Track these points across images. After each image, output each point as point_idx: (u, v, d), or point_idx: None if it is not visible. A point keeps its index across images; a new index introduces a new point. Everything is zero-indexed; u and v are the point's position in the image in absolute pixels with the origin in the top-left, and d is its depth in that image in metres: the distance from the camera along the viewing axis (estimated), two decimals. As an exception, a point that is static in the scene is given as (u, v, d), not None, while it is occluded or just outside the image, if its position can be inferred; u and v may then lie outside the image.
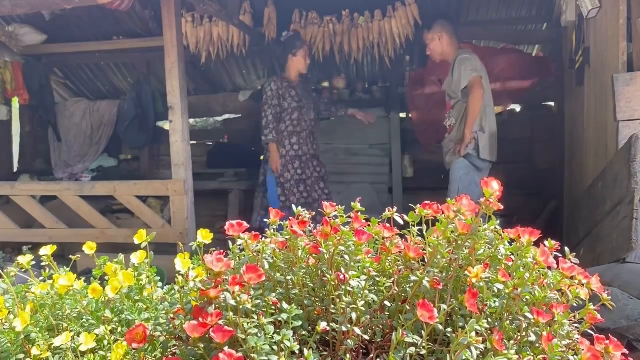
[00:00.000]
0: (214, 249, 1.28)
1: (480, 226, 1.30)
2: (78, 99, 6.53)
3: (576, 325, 1.30)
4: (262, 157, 4.60)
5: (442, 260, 1.31)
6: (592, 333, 1.25)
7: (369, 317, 1.22)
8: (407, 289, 1.28)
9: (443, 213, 1.34)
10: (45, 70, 6.03)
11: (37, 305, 1.40)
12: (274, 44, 4.77)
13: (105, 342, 1.23)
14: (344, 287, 1.20)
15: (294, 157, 4.32)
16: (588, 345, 1.20)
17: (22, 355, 1.25)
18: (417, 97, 5.38)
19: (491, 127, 3.88)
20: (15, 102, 6.23)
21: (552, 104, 5.56)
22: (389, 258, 1.37)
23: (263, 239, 1.37)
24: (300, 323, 1.16)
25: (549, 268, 1.31)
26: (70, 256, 1.66)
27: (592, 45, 3.31)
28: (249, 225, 1.38)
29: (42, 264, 1.51)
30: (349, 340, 1.17)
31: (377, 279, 1.30)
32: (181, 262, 1.31)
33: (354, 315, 1.17)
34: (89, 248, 1.52)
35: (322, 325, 1.13)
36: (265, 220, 1.47)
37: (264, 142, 4.32)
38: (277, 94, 4.26)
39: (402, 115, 5.71)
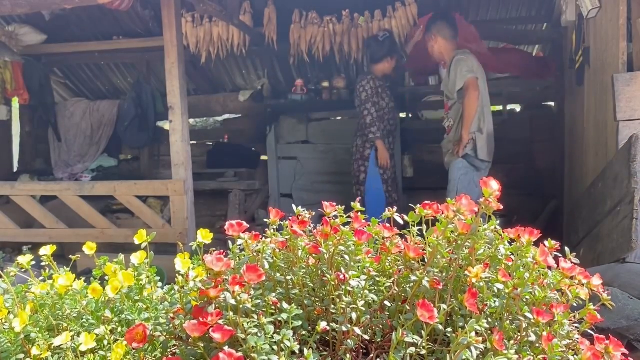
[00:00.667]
0: (214, 249, 1.28)
1: (480, 226, 1.30)
2: (78, 99, 6.53)
3: (576, 325, 1.30)
4: (366, 154, 4.45)
5: (442, 260, 1.31)
6: (592, 333, 1.25)
7: (369, 317, 1.22)
8: (407, 289, 1.28)
9: (443, 213, 1.34)
10: (45, 70, 6.03)
11: (37, 305, 1.40)
12: (368, 40, 4.61)
13: (105, 342, 1.23)
14: (344, 287, 1.20)
15: (391, 155, 4.39)
16: (588, 345, 1.20)
17: (22, 355, 1.25)
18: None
19: (488, 127, 3.88)
20: (15, 102, 6.23)
21: (552, 104, 5.56)
22: (389, 258, 1.37)
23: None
24: (300, 323, 1.16)
25: (549, 268, 1.31)
26: (70, 256, 1.66)
27: (592, 45, 3.31)
28: (248, 225, 1.38)
29: (42, 264, 1.51)
30: (349, 340, 1.17)
31: (377, 279, 1.30)
32: (181, 262, 1.31)
33: (354, 315, 1.17)
34: (89, 248, 1.51)
35: (322, 325, 1.13)
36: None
37: (372, 139, 4.28)
38: (377, 92, 4.23)
39: (402, 115, 5.71)
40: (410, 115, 5.83)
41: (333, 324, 1.18)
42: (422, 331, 1.13)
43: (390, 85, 4.60)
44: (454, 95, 3.84)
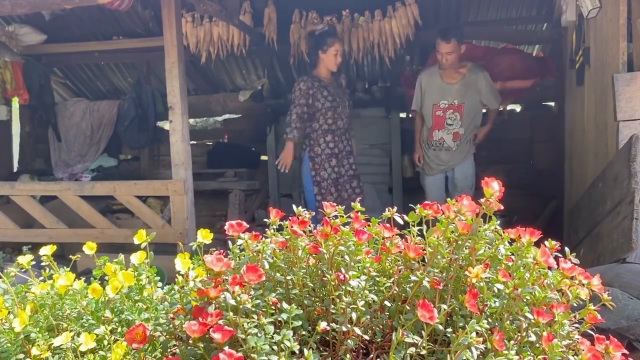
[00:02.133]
0: (214, 249, 1.28)
1: (480, 226, 1.30)
2: (78, 99, 6.53)
3: (576, 325, 1.30)
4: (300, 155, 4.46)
5: (442, 260, 1.31)
6: (592, 333, 1.25)
7: (369, 317, 1.22)
8: (407, 289, 1.28)
9: (443, 213, 1.34)
10: (45, 70, 6.03)
11: (37, 305, 1.40)
12: (308, 36, 4.62)
13: (105, 342, 1.23)
14: (344, 287, 1.20)
15: (330, 155, 4.23)
16: (588, 346, 1.20)
17: (22, 355, 1.25)
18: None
19: None
20: (15, 102, 6.23)
21: (552, 104, 5.56)
22: (389, 258, 1.37)
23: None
24: (300, 323, 1.16)
25: (549, 268, 1.31)
26: (70, 256, 1.66)
27: (592, 45, 3.31)
28: (248, 225, 1.38)
29: (42, 264, 1.51)
30: (349, 340, 1.17)
31: (377, 279, 1.30)
32: (181, 262, 1.31)
33: (354, 315, 1.17)
34: (89, 248, 1.51)
35: (322, 325, 1.13)
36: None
37: (284, 139, 4.23)
38: (307, 94, 4.15)
39: (402, 115, 5.70)
40: (410, 116, 5.83)
41: (333, 324, 1.18)
42: (422, 331, 1.12)
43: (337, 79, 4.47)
44: (494, 106, 4.22)
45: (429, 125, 4.26)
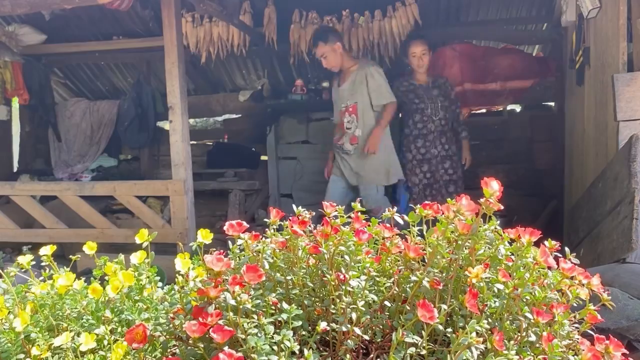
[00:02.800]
0: (214, 249, 1.28)
1: (480, 226, 1.30)
2: (78, 99, 6.53)
3: (576, 325, 1.30)
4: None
5: (442, 260, 1.31)
6: (592, 333, 1.25)
7: (369, 317, 1.22)
8: (407, 289, 1.28)
9: (443, 213, 1.34)
10: (45, 70, 6.03)
11: (37, 305, 1.40)
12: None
13: (105, 342, 1.23)
14: (344, 287, 1.20)
15: (421, 160, 4.16)
16: (588, 346, 1.20)
17: (22, 355, 1.25)
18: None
19: None
20: (15, 102, 6.23)
21: (552, 104, 5.56)
22: (389, 258, 1.37)
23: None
24: (300, 323, 1.16)
25: (549, 268, 1.31)
26: (70, 256, 1.66)
27: (592, 45, 3.31)
28: (248, 225, 1.38)
29: (42, 264, 1.51)
30: (349, 340, 1.17)
31: (377, 279, 1.30)
32: (181, 262, 1.31)
33: (354, 315, 1.17)
34: (89, 248, 1.51)
35: (322, 325, 1.13)
36: None
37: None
38: (398, 93, 4.15)
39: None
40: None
41: (333, 324, 1.18)
42: (422, 331, 1.13)
43: (436, 81, 4.36)
44: (379, 107, 4.00)
45: (340, 132, 4.17)
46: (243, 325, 1.09)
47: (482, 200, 1.29)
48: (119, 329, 1.31)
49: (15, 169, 6.36)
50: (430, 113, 4.10)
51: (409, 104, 4.18)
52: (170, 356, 1.17)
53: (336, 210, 1.39)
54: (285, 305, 1.15)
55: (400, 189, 4.32)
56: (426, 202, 1.40)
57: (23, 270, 1.51)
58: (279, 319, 1.14)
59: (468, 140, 4.33)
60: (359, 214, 1.39)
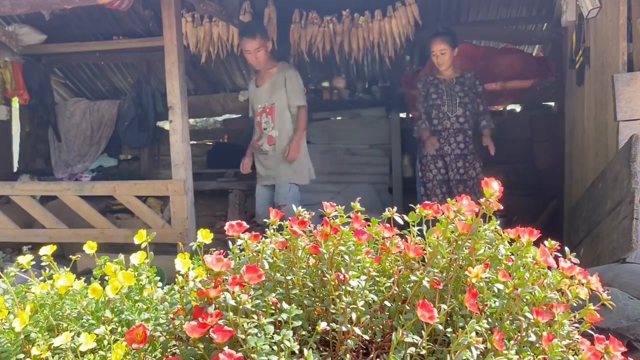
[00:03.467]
0: (214, 249, 1.28)
1: (480, 226, 1.30)
2: (78, 99, 6.53)
3: (576, 325, 1.30)
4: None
5: (442, 260, 1.31)
6: (592, 333, 1.25)
7: (369, 317, 1.22)
8: (407, 289, 1.28)
9: (443, 213, 1.34)
10: (45, 70, 6.03)
11: (37, 305, 1.40)
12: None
13: (105, 342, 1.23)
14: (344, 287, 1.20)
15: (435, 156, 4.13)
16: (588, 345, 1.20)
17: (22, 355, 1.25)
18: (414, 97, 5.37)
19: None
20: (15, 102, 6.23)
21: (552, 104, 5.57)
22: (389, 258, 1.37)
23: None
24: (300, 323, 1.16)
25: (549, 268, 1.31)
26: (70, 256, 1.65)
27: (592, 45, 3.31)
28: (248, 225, 1.38)
29: (42, 264, 1.51)
30: (349, 340, 1.17)
31: (377, 279, 1.30)
32: (181, 262, 1.31)
33: (354, 315, 1.17)
34: (89, 247, 1.51)
35: (322, 325, 1.13)
36: None
37: (416, 135, 4.23)
38: (420, 84, 4.17)
39: (402, 115, 5.71)
40: (410, 116, 5.83)
41: (333, 324, 1.18)
42: (422, 331, 1.13)
43: (462, 76, 4.22)
44: (294, 108, 4.00)
45: (258, 133, 4.16)
46: (243, 325, 1.09)
47: (482, 200, 1.29)
48: (119, 329, 1.31)
49: (15, 169, 6.36)
50: (447, 110, 4.06)
51: (427, 98, 4.15)
52: (170, 356, 1.17)
53: (336, 210, 1.39)
54: (285, 305, 1.15)
55: (417, 184, 4.31)
56: (437, 199, 1.40)
57: (23, 270, 1.51)
58: (279, 319, 1.14)
59: (488, 130, 4.19)
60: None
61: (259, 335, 1.08)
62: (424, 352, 1.13)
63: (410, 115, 5.63)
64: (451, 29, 4.27)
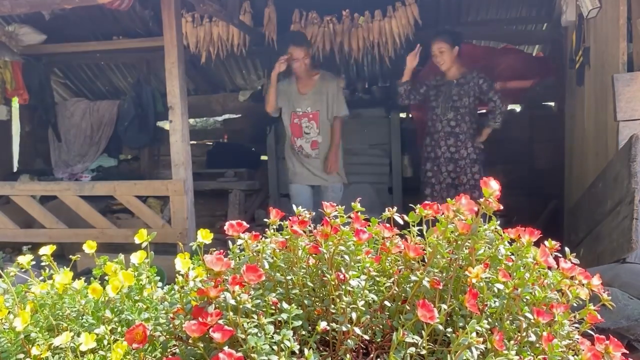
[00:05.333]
0: (214, 249, 1.28)
1: (480, 226, 1.30)
2: (78, 99, 6.53)
3: (576, 325, 1.30)
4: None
5: (442, 260, 1.31)
6: (592, 333, 1.25)
7: (369, 317, 1.22)
8: (407, 289, 1.28)
9: (443, 213, 1.34)
10: (45, 70, 6.02)
11: (37, 305, 1.40)
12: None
13: (105, 342, 1.23)
14: (344, 287, 1.20)
15: (425, 158, 4.15)
16: (588, 346, 1.20)
17: (22, 355, 1.25)
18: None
19: None
20: (15, 102, 6.23)
21: (552, 104, 5.56)
22: (389, 258, 1.37)
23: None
24: (300, 323, 1.16)
25: (549, 268, 1.31)
26: (70, 256, 1.66)
27: (592, 45, 3.31)
28: (248, 225, 1.38)
29: (42, 264, 1.51)
30: (349, 340, 1.17)
31: (377, 279, 1.30)
32: (181, 262, 1.31)
33: (354, 315, 1.17)
34: (89, 247, 1.51)
35: (322, 325, 1.13)
36: None
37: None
38: (422, 85, 4.16)
39: (402, 115, 5.70)
40: (410, 116, 5.84)
41: (333, 324, 1.18)
42: (422, 331, 1.12)
43: (463, 77, 4.10)
44: (340, 115, 4.09)
45: (288, 131, 4.21)
46: (243, 325, 1.09)
47: (481, 200, 1.29)
48: (119, 329, 1.31)
49: (15, 169, 6.36)
50: (440, 113, 4.04)
51: (428, 100, 4.16)
52: (170, 356, 1.17)
53: (336, 210, 1.39)
54: (285, 305, 1.15)
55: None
56: (427, 199, 1.40)
57: (23, 270, 1.51)
58: (279, 318, 1.14)
59: (490, 128, 4.10)
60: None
61: (259, 335, 1.08)
62: (424, 352, 1.13)
63: (410, 115, 5.64)
64: (454, 29, 4.27)
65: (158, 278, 1.49)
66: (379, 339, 1.24)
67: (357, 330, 1.16)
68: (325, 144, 4.11)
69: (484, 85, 4.03)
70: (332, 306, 1.21)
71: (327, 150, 4.09)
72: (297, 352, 1.10)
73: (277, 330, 1.10)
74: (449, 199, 1.34)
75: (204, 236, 1.35)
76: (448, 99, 4.04)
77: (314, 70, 4.16)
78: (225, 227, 1.33)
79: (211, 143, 6.37)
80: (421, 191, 4.18)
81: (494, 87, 4.12)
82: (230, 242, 1.39)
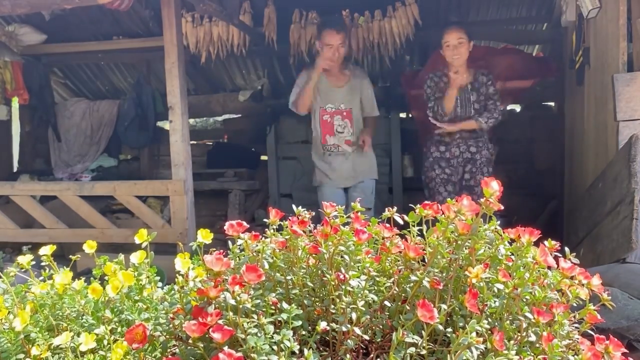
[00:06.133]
0: (214, 249, 1.28)
1: (480, 226, 1.30)
2: (78, 99, 6.53)
3: (576, 325, 1.30)
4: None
5: (442, 260, 1.31)
6: (592, 333, 1.25)
7: (369, 317, 1.22)
8: (407, 289, 1.28)
9: (443, 213, 1.34)
10: (45, 70, 6.03)
11: (37, 305, 1.40)
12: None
13: (105, 342, 1.23)
14: (344, 287, 1.20)
15: (438, 158, 3.92)
16: (588, 345, 1.20)
17: (22, 355, 1.25)
18: (415, 97, 5.34)
19: None
20: (15, 102, 6.23)
21: (552, 104, 5.56)
22: (389, 258, 1.37)
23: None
24: (300, 323, 1.16)
25: (549, 268, 1.31)
26: (70, 256, 1.66)
27: (592, 45, 3.31)
28: (248, 225, 1.38)
29: (42, 264, 1.51)
30: (349, 340, 1.17)
31: (377, 279, 1.30)
32: (181, 262, 1.31)
33: (354, 315, 1.17)
34: (89, 247, 1.51)
35: (322, 325, 1.13)
36: None
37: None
38: (424, 84, 3.97)
39: (402, 115, 5.70)
40: (410, 115, 5.83)
41: (333, 324, 1.18)
42: (422, 331, 1.12)
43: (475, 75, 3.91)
44: (374, 115, 4.02)
45: (317, 129, 3.99)
46: (243, 325, 1.09)
47: (482, 200, 1.29)
48: (119, 329, 1.31)
49: (15, 169, 6.36)
50: (460, 113, 3.82)
51: (435, 100, 3.93)
52: (170, 356, 1.17)
53: (336, 210, 1.39)
54: (285, 305, 1.15)
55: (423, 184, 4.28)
56: (441, 197, 1.40)
57: (23, 270, 1.51)
58: (279, 319, 1.14)
59: (477, 122, 3.82)
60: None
61: (259, 335, 1.08)
62: (424, 352, 1.13)
63: (410, 115, 5.62)
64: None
65: (158, 278, 1.49)
66: (379, 339, 1.24)
67: (357, 331, 1.16)
68: (356, 143, 3.95)
69: (490, 88, 3.91)
70: (332, 306, 1.21)
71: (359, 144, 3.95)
72: (297, 352, 1.10)
73: (277, 330, 1.10)
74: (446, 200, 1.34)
75: (204, 236, 1.35)
76: (468, 103, 3.86)
77: (345, 63, 3.97)
78: (225, 227, 1.33)
79: (211, 143, 6.37)
80: (432, 192, 3.97)
81: (497, 89, 4.00)
82: (230, 242, 1.39)
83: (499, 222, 1.36)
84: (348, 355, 1.16)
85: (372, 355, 1.22)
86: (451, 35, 3.66)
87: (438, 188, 3.93)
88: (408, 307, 1.25)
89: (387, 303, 1.27)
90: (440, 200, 3.56)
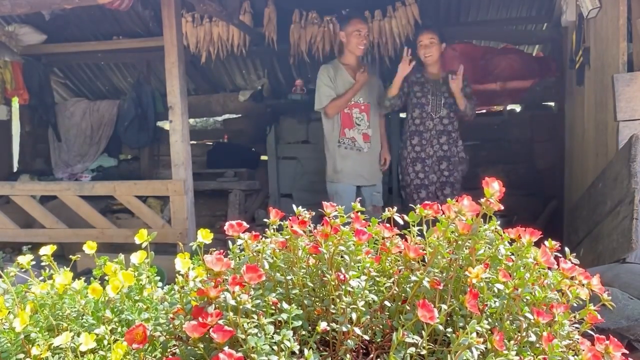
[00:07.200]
0: (214, 249, 1.28)
1: (480, 226, 1.30)
2: (78, 99, 6.53)
3: (576, 325, 1.30)
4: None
5: (442, 260, 1.31)
6: (592, 333, 1.25)
7: (369, 317, 1.22)
8: (407, 289, 1.28)
9: (443, 213, 1.34)
10: (45, 70, 6.03)
11: (37, 305, 1.40)
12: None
13: (105, 342, 1.23)
14: (344, 287, 1.20)
15: (415, 159, 3.94)
16: (588, 346, 1.20)
17: (22, 355, 1.25)
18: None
19: None
20: (15, 102, 6.23)
21: (552, 104, 5.56)
22: (389, 258, 1.37)
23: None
24: (300, 323, 1.16)
25: (549, 268, 1.31)
26: (70, 256, 1.66)
27: (592, 45, 3.31)
28: (248, 225, 1.38)
29: (42, 264, 1.51)
30: (349, 340, 1.17)
31: (377, 279, 1.30)
32: (181, 262, 1.31)
33: (354, 315, 1.17)
34: (89, 247, 1.51)
35: (322, 325, 1.13)
36: None
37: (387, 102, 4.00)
38: (405, 83, 3.97)
39: (402, 115, 5.70)
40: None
41: (333, 324, 1.18)
42: (422, 331, 1.12)
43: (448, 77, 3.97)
44: (386, 105, 3.96)
45: (336, 120, 3.97)
46: (243, 325, 1.09)
47: (482, 200, 1.29)
48: (119, 329, 1.31)
49: (15, 169, 6.36)
50: (430, 110, 3.92)
51: (412, 97, 3.99)
52: (170, 356, 1.17)
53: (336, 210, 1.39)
54: (285, 305, 1.15)
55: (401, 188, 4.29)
56: (415, 203, 1.40)
57: (23, 270, 1.51)
58: (279, 319, 1.14)
59: (463, 99, 3.87)
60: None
61: (259, 335, 1.08)
62: (424, 352, 1.13)
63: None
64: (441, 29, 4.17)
65: (158, 278, 1.49)
66: (379, 339, 1.24)
67: (357, 331, 1.16)
68: (376, 138, 4.00)
69: (467, 89, 3.98)
70: (332, 306, 1.21)
71: (378, 147, 4.04)
72: (297, 352, 1.10)
73: (277, 331, 1.10)
74: (449, 199, 1.34)
75: (204, 236, 1.34)
76: (439, 96, 3.92)
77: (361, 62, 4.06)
78: (225, 227, 1.33)
79: (211, 143, 6.37)
80: (411, 194, 3.99)
81: (472, 91, 4.12)
82: (230, 242, 1.39)
83: (499, 222, 1.36)
84: (348, 356, 1.16)
85: (372, 356, 1.22)
86: (424, 35, 3.94)
87: (412, 194, 4.00)
88: (408, 307, 1.25)
89: (387, 303, 1.27)
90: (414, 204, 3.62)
